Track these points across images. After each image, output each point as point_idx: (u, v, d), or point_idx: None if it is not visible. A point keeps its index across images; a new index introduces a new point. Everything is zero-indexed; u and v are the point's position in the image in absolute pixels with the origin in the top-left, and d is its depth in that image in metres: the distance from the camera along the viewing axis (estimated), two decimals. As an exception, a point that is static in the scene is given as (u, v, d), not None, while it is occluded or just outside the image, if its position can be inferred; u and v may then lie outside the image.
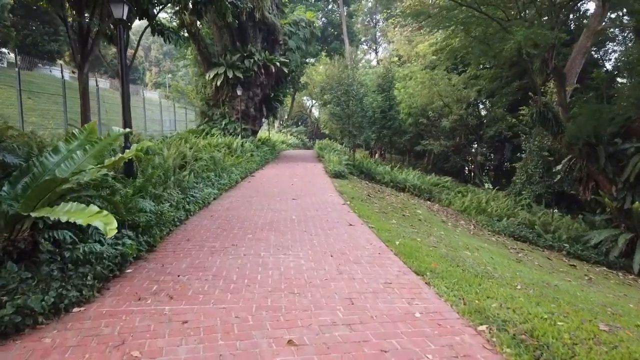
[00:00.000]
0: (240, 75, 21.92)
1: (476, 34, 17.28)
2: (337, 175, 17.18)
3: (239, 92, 21.19)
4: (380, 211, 11.31)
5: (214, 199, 11.03)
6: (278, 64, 22.69)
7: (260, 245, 6.71)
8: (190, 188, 9.78)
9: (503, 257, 9.86)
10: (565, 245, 14.95)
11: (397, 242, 7.15)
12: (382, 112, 26.98)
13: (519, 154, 29.83)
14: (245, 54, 22.44)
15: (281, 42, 23.94)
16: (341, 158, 21.17)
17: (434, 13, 17.41)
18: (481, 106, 29.78)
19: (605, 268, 13.81)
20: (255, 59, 22.31)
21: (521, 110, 21.32)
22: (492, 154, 29.38)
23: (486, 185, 27.37)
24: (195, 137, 17.90)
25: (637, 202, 14.18)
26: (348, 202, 11.42)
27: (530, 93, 21.71)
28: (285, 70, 23.29)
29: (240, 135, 21.32)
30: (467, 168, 31.81)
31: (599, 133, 15.30)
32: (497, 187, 23.00)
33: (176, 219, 7.66)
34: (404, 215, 11.87)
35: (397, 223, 9.93)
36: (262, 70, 22.66)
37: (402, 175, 22.37)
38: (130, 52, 21.14)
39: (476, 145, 27.86)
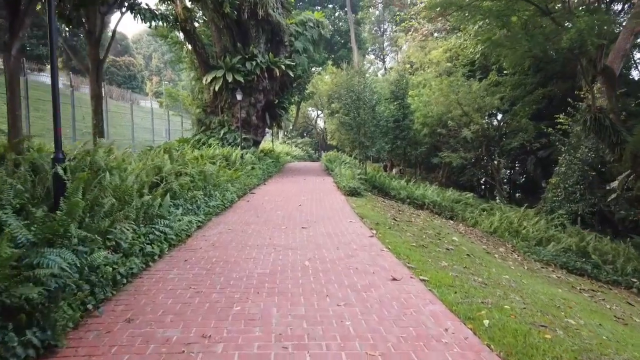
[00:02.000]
0: (241, 79, 19.05)
1: (517, 28, 14.32)
2: (352, 193, 14.17)
3: (239, 98, 18.28)
4: (418, 244, 8.29)
5: (198, 227, 8.05)
6: (283, 67, 19.81)
7: (252, 333, 3.70)
8: (161, 217, 6.78)
9: (606, 318, 6.80)
10: (635, 280, 11.88)
11: (486, 323, 4.12)
12: (396, 121, 24.03)
13: (542, 167, 26.89)
14: (246, 56, 19.59)
15: (286, 44, 21.07)
16: (354, 172, 18.19)
17: (465, 3, 14.49)
18: (499, 116, 26.80)
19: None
20: (258, 61, 19.45)
21: (558, 119, 18.36)
22: (513, 168, 26.36)
23: (497, 200, 24.29)
24: (189, 147, 14.99)
25: None
26: (375, 232, 8.42)
27: (569, 99, 18.80)
28: (291, 74, 20.39)
29: (240, 146, 18.39)
30: (482, 182, 28.81)
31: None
32: (525, 205, 19.97)
33: (122, 275, 4.67)
34: (447, 249, 8.83)
35: (449, 266, 6.90)
36: (266, 74, 19.77)
37: (419, 190, 19.39)
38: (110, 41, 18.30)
39: (497, 158, 24.82)
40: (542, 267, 11.84)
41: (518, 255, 12.96)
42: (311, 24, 21.82)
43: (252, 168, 16.68)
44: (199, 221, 8.12)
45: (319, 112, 47.70)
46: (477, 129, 22.91)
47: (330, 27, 37.92)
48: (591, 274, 12.25)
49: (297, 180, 18.56)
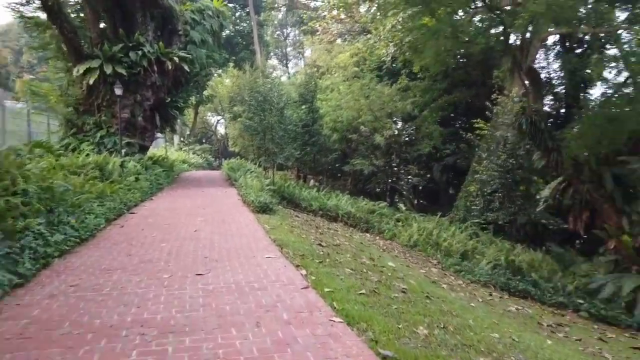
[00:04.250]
0: (124, 72, 15.25)
1: (444, 22, 12.43)
2: (263, 209, 11.21)
3: (118, 93, 14.46)
4: (366, 288, 5.64)
5: (17, 286, 4.68)
6: (176, 59, 16.26)
7: None
8: None
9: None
10: (581, 301, 10.38)
11: None
12: (305, 126, 21.48)
13: (448, 174, 26.10)
14: (130, 44, 15.80)
15: (181, 33, 17.52)
16: (263, 182, 15.28)
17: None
18: (403, 125, 25.46)
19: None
20: (145, 51, 15.74)
21: (476, 124, 17.05)
22: (421, 175, 25.08)
23: (403, 208, 22.89)
24: (49, 153, 11.03)
25: (665, 240, 10.06)
26: (306, 274, 5.64)
27: (487, 103, 17.63)
28: (187, 68, 16.88)
29: (121, 153, 14.58)
30: (388, 189, 27.38)
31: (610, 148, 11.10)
32: (429, 213, 18.49)
33: None
34: (402, 290, 6.28)
35: (431, 336, 4.32)
36: (155, 67, 16.09)
37: (332, 200, 17.09)
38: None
39: (407, 164, 23.34)
40: (489, 294, 9.89)
41: (454, 278, 10.97)
42: (210, 13, 18.47)
43: (136, 179, 13.04)
44: (17, 276, 4.73)
45: (220, 117, 43.83)
46: (389, 135, 21.20)
47: (232, 27, 34.74)
48: (535, 296, 10.61)
49: (194, 193, 15.14)
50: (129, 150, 15.38)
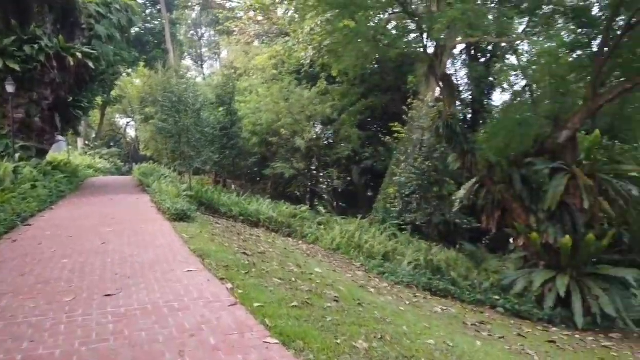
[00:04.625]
0: (17, 67, 13.61)
1: (363, 26, 12.43)
2: (180, 217, 10.39)
3: (10, 90, 12.84)
4: (298, 298, 5.27)
5: None
6: (79, 55, 14.80)
7: None
8: None
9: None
10: (497, 298, 10.82)
11: None
12: (223, 128, 20.66)
13: (367, 177, 26.56)
14: (25, 37, 14.14)
15: (84, 27, 16.01)
16: (179, 188, 14.34)
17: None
18: (323, 129, 25.49)
19: (551, 326, 9.96)
20: (43, 45, 14.15)
21: (393, 127, 17.37)
22: (341, 178, 25.23)
23: (323, 211, 22.97)
24: None
25: (567, 236, 10.78)
26: (232, 289, 5.14)
27: (404, 107, 18.04)
28: (91, 65, 15.42)
29: (14, 157, 12.93)
30: (308, 192, 27.30)
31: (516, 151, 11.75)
32: (349, 215, 18.66)
33: None
34: (334, 299, 5.98)
35: (367, 344, 4.04)
36: (54, 63, 14.51)
37: (253, 205, 16.62)
38: None
39: (327, 168, 23.36)
40: (414, 295, 9.94)
41: (379, 280, 10.96)
42: (117, 7, 17.07)
43: (33, 187, 11.58)
44: None
45: (130, 119, 41.17)
46: (310, 138, 21.06)
47: (142, 24, 32.73)
48: (455, 295, 10.89)
49: (101, 200, 13.82)
50: (24, 155, 13.70)
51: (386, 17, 12.83)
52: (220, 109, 21.47)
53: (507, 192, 12.00)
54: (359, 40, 12.59)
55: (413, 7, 11.86)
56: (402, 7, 11.11)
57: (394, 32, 13.23)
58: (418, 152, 16.23)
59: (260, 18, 28.36)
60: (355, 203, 26.00)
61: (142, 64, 32.59)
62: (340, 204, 26.47)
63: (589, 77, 11.55)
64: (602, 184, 11.29)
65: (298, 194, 26.93)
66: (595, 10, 11.63)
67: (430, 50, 14.20)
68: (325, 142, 23.40)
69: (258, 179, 27.56)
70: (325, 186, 23.54)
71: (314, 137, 21.78)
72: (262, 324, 4.05)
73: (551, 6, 13.22)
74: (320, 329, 4.29)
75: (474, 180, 12.89)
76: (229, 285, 5.29)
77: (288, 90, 21.96)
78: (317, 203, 25.62)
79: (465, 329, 7.25)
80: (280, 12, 27.80)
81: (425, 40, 12.33)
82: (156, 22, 35.22)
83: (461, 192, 13.17)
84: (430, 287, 10.96)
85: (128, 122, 43.43)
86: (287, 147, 21.75)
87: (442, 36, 12.63)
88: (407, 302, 8.41)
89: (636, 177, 11.29)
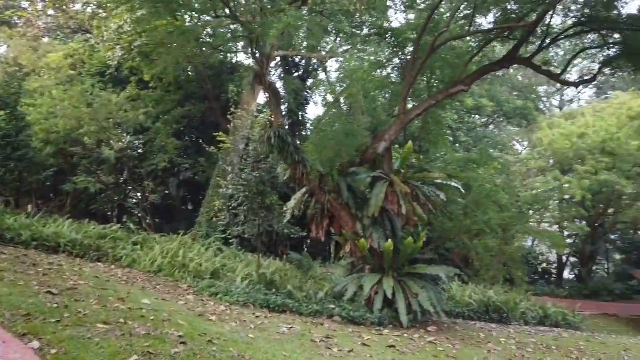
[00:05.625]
0: None
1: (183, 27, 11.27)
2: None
3: None
4: (144, 353, 4.09)
5: None
6: None
7: None
8: None
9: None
10: (332, 306, 10.83)
11: None
12: (6, 137, 16.76)
13: (185, 190, 24.95)
14: None
15: None
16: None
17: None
18: (135, 137, 22.91)
19: (382, 328, 10.39)
20: None
21: (219, 136, 16.31)
22: (156, 192, 23.00)
23: (132, 227, 20.80)
24: None
25: (389, 240, 11.49)
26: (39, 347, 3.71)
27: (229, 116, 17.17)
28: None
29: None
30: (116, 209, 24.31)
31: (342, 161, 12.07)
32: (182, 232, 17.19)
33: None
34: (168, 332, 4.88)
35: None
36: None
37: (50, 228, 14.00)
38: None
39: (141, 181, 20.98)
40: (256, 317, 9.21)
41: (214, 303, 9.97)
42: None
43: None
44: None
45: None
46: (120, 148, 18.59)
47: None
48: (293, 309, 10.54)
49: None
50: None
51: (212, 19, 11.97)
52: (1, 112, 17.41)
53: (335, 201, 12.25)
54: (181, 41, 11.41)
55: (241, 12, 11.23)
56: (230, 12, 10.36)
57: (227, 34, 12.40)
58: (244, 163, 15.67)
59: (52, 12, 24.26)
60: (174, 218, 24.12)
61: None
62: (157, 220, 24.19)
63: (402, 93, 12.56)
64: (414, 190, 12.38)
65: (106, 210, 23.70)
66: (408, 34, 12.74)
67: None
68: (138, 152, 21.03)
69: (53, 195, 23.37)
70: (140, 201, 21.12)
71: (125, 146, 19.30)
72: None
73: (365, 28, 14.19)
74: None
75: (304, 190, 12.88)
76: (36, 344, 3.82)
77: (91, 94, 19.02)
78: (126, 220, 22.94)
79: (318, 348, 6.85)
80: (78, 5, 24.22)
81: (254, 48, 11.84)
82: None
83: (292, 203, 13.04)
84: (268, 303, 10.44)
85: None
86: (91, 158, 18.82)
87: (268, 46, 12.34)
88: (253, 327, 7.66)
89: (441, 183, 12.62)
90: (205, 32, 11.79)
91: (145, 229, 19.61)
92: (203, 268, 12.71)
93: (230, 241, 16.40)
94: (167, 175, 22.75)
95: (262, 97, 20.65)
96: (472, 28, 12.21)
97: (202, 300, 10.00)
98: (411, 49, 12.67)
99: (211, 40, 11.98)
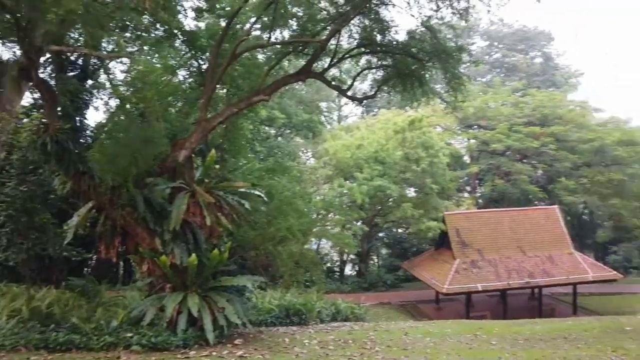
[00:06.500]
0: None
1: None
2: None
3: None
4: None
5: None
6: None
7: None
8: None
9: None
10: (130, 335, 9.48)
11: None
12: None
13: None
14: None
15: None
16: None
17: None
18: None
19: (189, 350, 9.60)
20: None
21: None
22: None
23: None
24: None
25: (193, 255, 10.76)
26: None
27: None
28: None
29: None
30: None
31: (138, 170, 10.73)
32: None
33: None
34: None
35: None
36: None
37: None
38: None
39: None
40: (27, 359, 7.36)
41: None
42: None
43: None
44: None
45: None
46: None
47: None
48: (80, 345, 8.86)
49: None
50: None
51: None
52: None
53: (130, 215, 10.87)
54: None
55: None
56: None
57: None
58: (5, 175, 12.80)
59: None
60: None
61: None
62: None
63: (202, 100, 11.99)
64: (218, 200, 11.88)
65: None
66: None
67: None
68: None
69: None
70: None
71: None
72: None
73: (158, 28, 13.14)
74: None
75: (89, 205, 11.06)
76: None
77: None
78: None
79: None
80: None
81: (19, 38, 9.66)
82: None
83: (74, 220, 11.03)
84: (47, 343, 8.57)
85: None
86: None
87: (39, 37, 10.26)
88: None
89: (244, 192, 12.42)
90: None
91: None
92: None
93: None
94: None
95: (28, 98, 17.23)
96: (271, 40, 12.43)
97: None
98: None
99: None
